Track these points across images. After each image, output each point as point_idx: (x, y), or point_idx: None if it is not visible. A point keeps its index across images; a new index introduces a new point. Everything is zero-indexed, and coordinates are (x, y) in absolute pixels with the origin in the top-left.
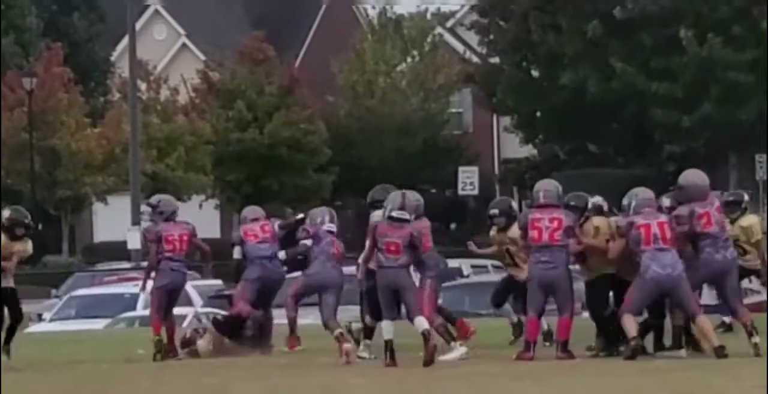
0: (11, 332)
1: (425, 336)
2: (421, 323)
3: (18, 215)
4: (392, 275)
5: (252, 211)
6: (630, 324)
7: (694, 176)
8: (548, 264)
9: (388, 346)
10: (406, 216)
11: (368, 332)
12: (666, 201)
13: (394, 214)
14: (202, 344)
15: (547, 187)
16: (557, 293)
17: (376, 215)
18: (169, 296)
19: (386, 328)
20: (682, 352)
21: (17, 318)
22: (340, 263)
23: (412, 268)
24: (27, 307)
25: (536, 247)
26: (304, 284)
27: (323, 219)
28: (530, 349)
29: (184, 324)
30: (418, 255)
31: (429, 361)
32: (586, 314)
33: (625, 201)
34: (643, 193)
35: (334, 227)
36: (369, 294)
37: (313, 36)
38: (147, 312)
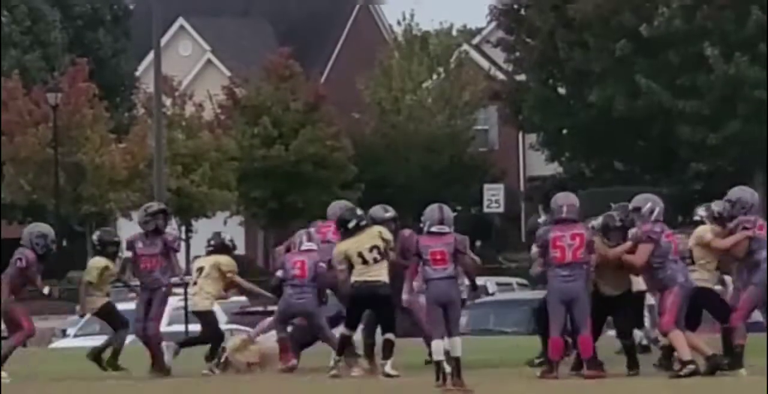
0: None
1: (457, 362)
2: (457, 346)
3: (107, 235)
4: (444, 286)
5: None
6: (682, 341)
7: (743, 192)
8: (568, 277)
9: (440, 367)
10: (446, 230)
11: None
12: (704, 211)
13: (434, 229)
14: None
15: (571, 201)
16: (575, 307)
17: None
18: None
19: (436, 348)
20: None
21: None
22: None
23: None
24: (52, 323)
25: (558, 264)
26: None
27: (301, 240)
28: (554, 369)
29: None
30: (465, 263)
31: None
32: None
33: (646, 205)
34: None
35: (313, 246)
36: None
37: (339, 52)
38: (172, 328)
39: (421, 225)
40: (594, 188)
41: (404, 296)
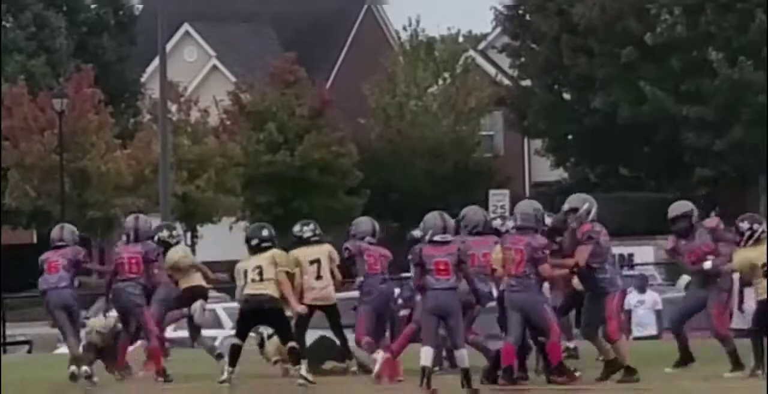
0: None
1: (466, 373)
2: (464, 358)
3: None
4: (442, 297)
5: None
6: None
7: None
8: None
9: (426, 372)
10: (449, 238)
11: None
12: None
13: (437, 238)
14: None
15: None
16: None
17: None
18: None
19: (425, 354)
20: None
21: None
22: None
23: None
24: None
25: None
26: None
27: None
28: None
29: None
30: (466, 272)
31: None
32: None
33: (583, 206)
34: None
35: None
36: None
37: (344, 58)
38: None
39: (422, 233)
40: (599, 194)
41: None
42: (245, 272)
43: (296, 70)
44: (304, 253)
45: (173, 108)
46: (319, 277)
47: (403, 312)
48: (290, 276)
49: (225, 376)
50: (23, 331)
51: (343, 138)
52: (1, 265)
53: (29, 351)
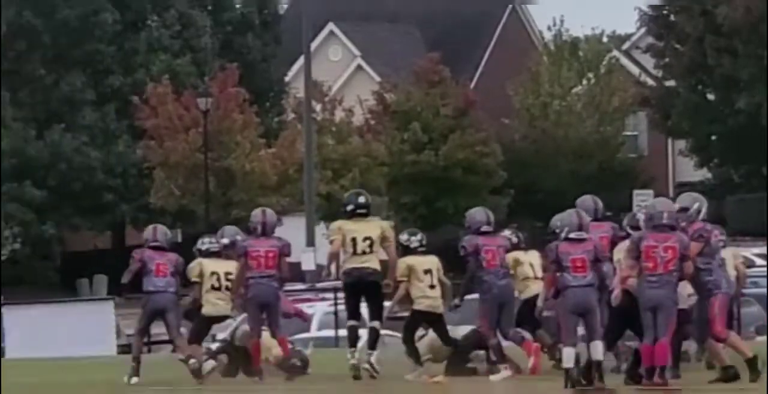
0: None
1: (598, 366)
2: (599, 350)
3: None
4: (581, 294)
5: None
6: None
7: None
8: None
9: (570, 374)
10: (585, 236)
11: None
12: None
13: (573, 235)
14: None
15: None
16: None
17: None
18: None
19: (567, 355)
20: None
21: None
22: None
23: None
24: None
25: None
26: None
27: None
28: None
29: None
30: (602, 270)
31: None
32: None
33: (693, 205)
34: None
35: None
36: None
37: (489, 58)
38: (322, 333)
39: (558, 231)
40: (742, 194)
41: (539, 303)
42: (353, 240)
43: (441, 69)
44: (417, 261)
45: (318, 107)
46: (432, 286)
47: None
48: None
49: (352, 359)
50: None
51: (487, 138)
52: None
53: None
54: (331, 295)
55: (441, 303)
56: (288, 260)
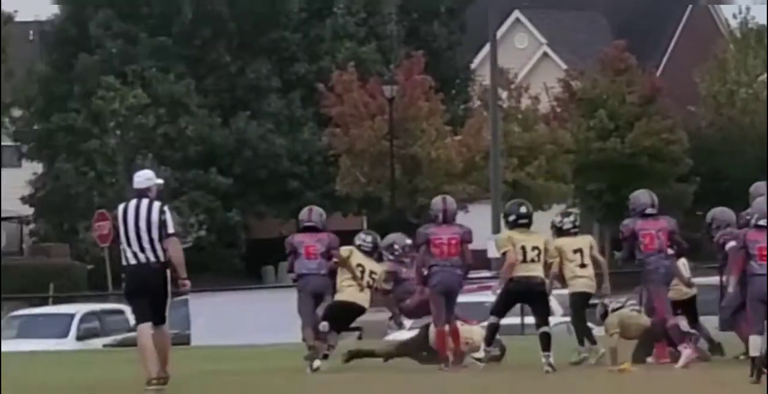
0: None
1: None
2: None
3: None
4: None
5: None
6: None
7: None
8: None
9: (756, 363)
10: None
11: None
12: None
13: (762, 222)
14: None
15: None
16: None
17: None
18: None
19: (753, 343)
20: None
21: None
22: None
23: None
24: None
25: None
26: None
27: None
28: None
29: None
30: None
31: None
32: None
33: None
34: None
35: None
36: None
37: (675, 45)
38: (507, 321)
39: (748, 218)
40: None
41: (730, 289)
42: (523, 248)
43: (627, 57)
44: (566, 242)
45: (503, 95)
46: (582, 265)
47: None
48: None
49: (482, 356)
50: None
51: (673, 125)
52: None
53: (359, 337)
54: None
55: (594, 281)
56: (472, 247)
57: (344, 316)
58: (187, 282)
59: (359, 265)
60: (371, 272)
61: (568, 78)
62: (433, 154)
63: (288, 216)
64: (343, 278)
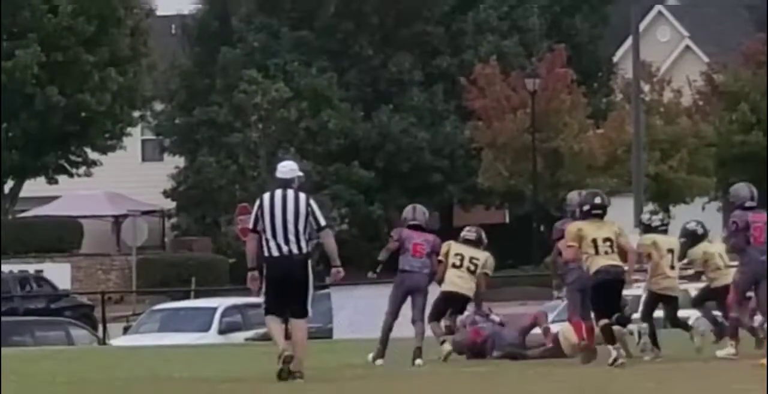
0: None
1: None
2: None
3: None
4: None
5: None
6: None
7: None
8: None
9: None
10: None
11: None
12: None
13: None
14: None
15: None
16: None
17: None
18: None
19: None
20: None
21: None
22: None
23: None
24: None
25: None
26: None
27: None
28: None
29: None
30: None
31: None
32: None
33: None
34: None
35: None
36: None
37: None
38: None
39: None
40: None
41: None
42: (594, 241)
43: None
44: (664, 240)
45: (646, 88)
46: (672, 267)
47: None
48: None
49: (614, 355)
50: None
51: None
52: None
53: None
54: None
55: (677, 285)
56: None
57: (450, 305)
58: (341, 270)
59: (458, 254)
60: (471, 258)
61: (711, 71)
62: (575, 148)
63: (430, 209)
64: (447, 271)
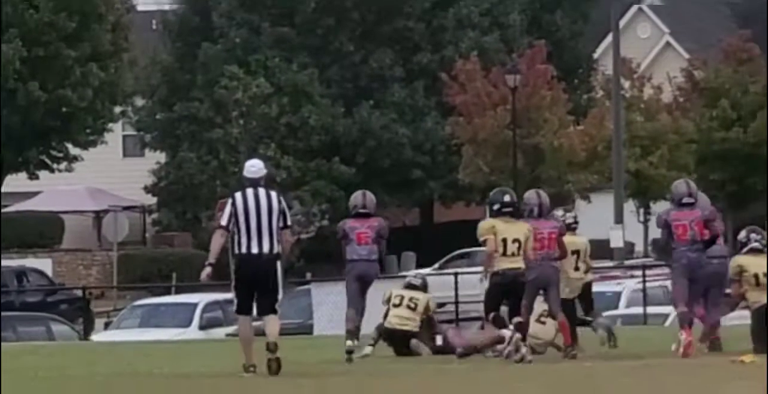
0: None
1: None
2: None
3: None
4: None
5: None
6: None
7: None
8: None
9: None
10: None
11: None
12: None
13: None
14: None
15: None
16: None
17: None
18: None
19: None
20: None
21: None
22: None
23: None
24: None
25: None
26: None
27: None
28: None
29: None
30: None
31: None
32: None
33: None
34: None
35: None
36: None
37: None
38: (630, 311)
39: None
40: None
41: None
42: (504, 241)
43: (750, 47)
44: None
45: (626, 84)
46: (576, 268)
47: None
48: None
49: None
50: None
51: None
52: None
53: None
54: (639, 272)
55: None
56: (595, 236)
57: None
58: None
59: (398, 295)
60: (411, 298)
61: (691, 68)
62: (555, 144)
63: (411, 205)
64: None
